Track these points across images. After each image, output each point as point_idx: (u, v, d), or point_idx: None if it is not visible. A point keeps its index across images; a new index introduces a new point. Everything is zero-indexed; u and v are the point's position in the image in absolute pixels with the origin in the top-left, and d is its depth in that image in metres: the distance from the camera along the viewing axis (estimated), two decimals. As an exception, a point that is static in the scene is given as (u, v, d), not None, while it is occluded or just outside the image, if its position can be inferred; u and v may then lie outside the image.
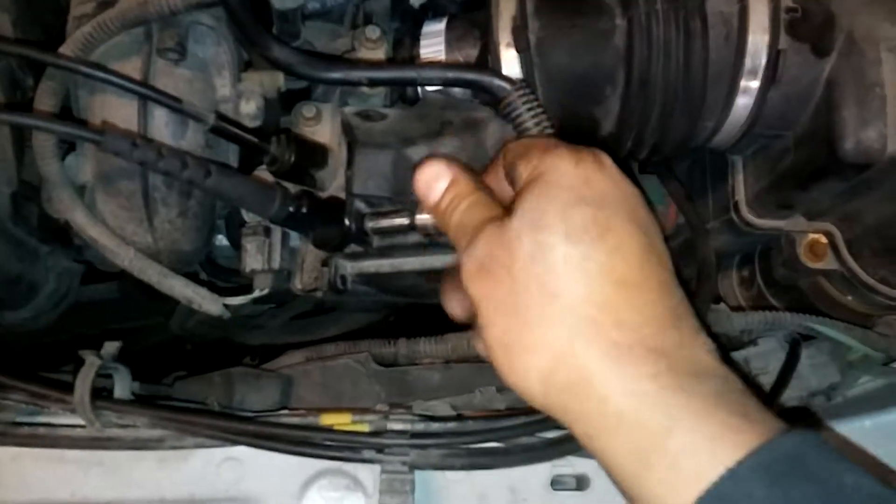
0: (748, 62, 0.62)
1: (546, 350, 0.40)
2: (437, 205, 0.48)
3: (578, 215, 0.41)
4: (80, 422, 0.60)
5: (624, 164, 0.48)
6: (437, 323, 0.88)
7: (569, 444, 0.60)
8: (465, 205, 0.46)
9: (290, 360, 0.86)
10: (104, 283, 1.08)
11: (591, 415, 0.39)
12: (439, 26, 0.69)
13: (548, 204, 0.42)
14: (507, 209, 0.45)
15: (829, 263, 0.75)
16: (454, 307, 0.51)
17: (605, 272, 0.40)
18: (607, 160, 0.45)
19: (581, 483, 0.65)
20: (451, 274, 0.52)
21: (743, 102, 0.64)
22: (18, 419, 0.61)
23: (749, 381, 0.42)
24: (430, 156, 0.50)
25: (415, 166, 0.49)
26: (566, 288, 0.40)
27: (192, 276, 0.67)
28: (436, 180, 0.48)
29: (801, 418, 0.70)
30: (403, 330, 0.88)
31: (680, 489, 0.35)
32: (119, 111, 0.59)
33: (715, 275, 0.79)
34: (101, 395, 0.60)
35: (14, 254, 0.72)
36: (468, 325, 0.52)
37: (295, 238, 0.68)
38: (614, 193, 0.43)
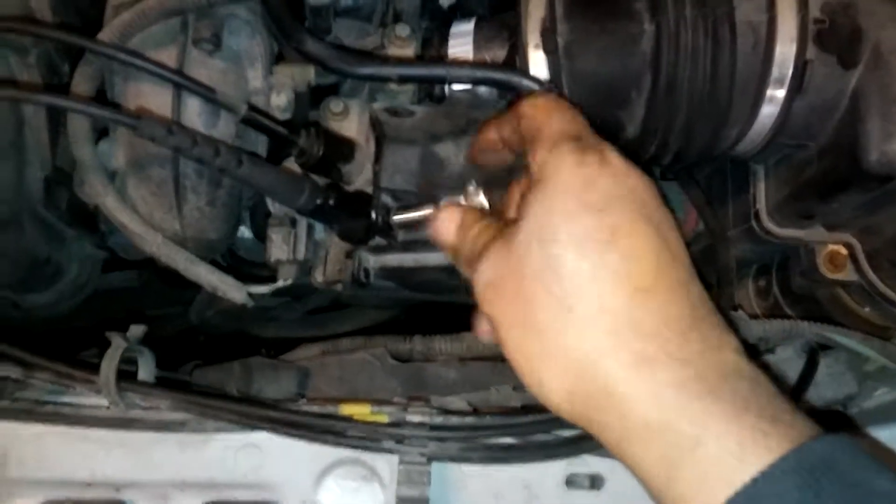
0: (775, 71, 0.62)
1: (566, 364, 0.39)
2: (451, 245, 0.49)
3: (585, 223, 0.40)
4: (104, 402, 0.61)
5: (645, 168, 0.48)
6: (451, 321, 0.89)
7: (585, 443, 0.61)
8: (471, 234, 0.46)
9: (306, 353, 0.87)
10: (124, 271, 1.10)
11: (616, 426, 0.39)
12: (468, 27, 0.70)
13: (552, 214, 0.41)
14: (510, 220, 0.45)
15: (848, 275, 0.75)
16: (483, 329, 0.50)
17: (618, 280, 0.39)
18: (612, 155, 0.44)
19: (595, 482, 0.66)
20: None
21: (768, 111, 0.64)
22: (42, 398, 0.62)
23: (778, 382, 0.41)
24: (443, 205, 0.50)
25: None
26: (580, 300, 0.39)
27: (220, 267, 0.68)
28: (447, 224, 0.49)
29: (836, 421, 0.70)
30: (418, 328, 0.89)
31: (710, 495, 0.35)
32: (153, 99, 0.60)
33: (734, 282, 0.80)
34: (126, 377, 0.61)
35: (43, 236, 0.73)
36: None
37: (320, 230, 0.69)
38: (620, 192, 0.42)
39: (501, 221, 0.47)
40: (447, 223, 0.49)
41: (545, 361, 0.40)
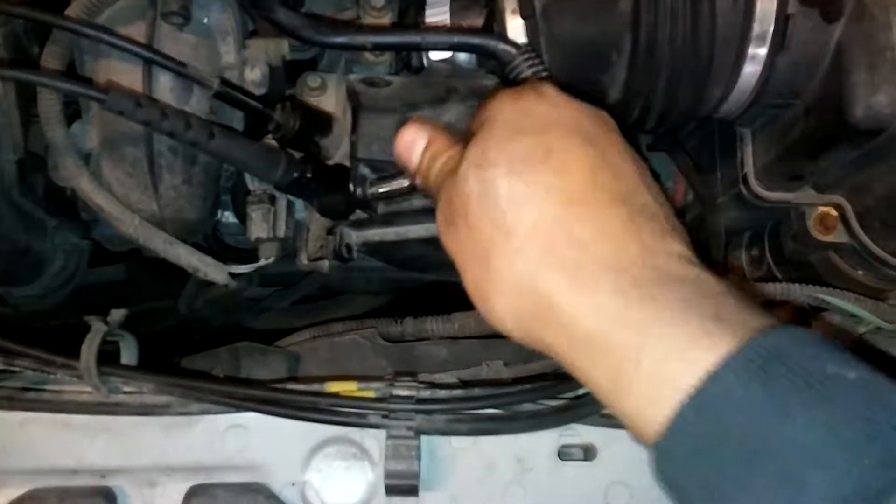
0: (756, 28, 0.61)
1: (511, 285, 0.39)
2: (417, 167, 0.48)
3: (517, 145, 0.41)
4: (87, 389, 0.60)
5: (627, 134, 0.48)
6: (442, 306, 0.88)
7: (574, 412, 0.60)
8: (440, 162, 0.46)
9: (297, 339, 0.86)
10: (111, 264, 1.09)
11: (563, 342, 0.38)
12: (445, -6, 0.69)
13: (489, 141, 0.42)
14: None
15: (839, 236, 0.75)
16: None
17: (551, 194, 0.39)
18: (549, 89, 0.45)
19: (588, 453, 0.65)
20: None
21: (751, 70, 0.63)
22: (26, 385, 0.61)
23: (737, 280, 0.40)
24: (407, 120, 0.49)
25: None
26: (517, 220, 0.39)
27: (204, 250, 0.67)
28: (413, 143, 0.48)
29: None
30: (411, 313, 0.89)
31: (660, 403, 0.34)
32: (124, 76, 0.59)
33: (723, 246, 0.79)
34: (108, 361, 0.60)
35: (21, 224, 0.72)
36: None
37: (300, 208, 0.68)
38: (557, 117, 0.43)
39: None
40: (413, 144, 0.48)
41: (493, 285, 0.40)
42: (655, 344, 0.35)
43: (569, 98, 0.45)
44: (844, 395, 0.32)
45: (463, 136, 0.46)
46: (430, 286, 1.07)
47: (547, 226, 0.39)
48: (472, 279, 0.42)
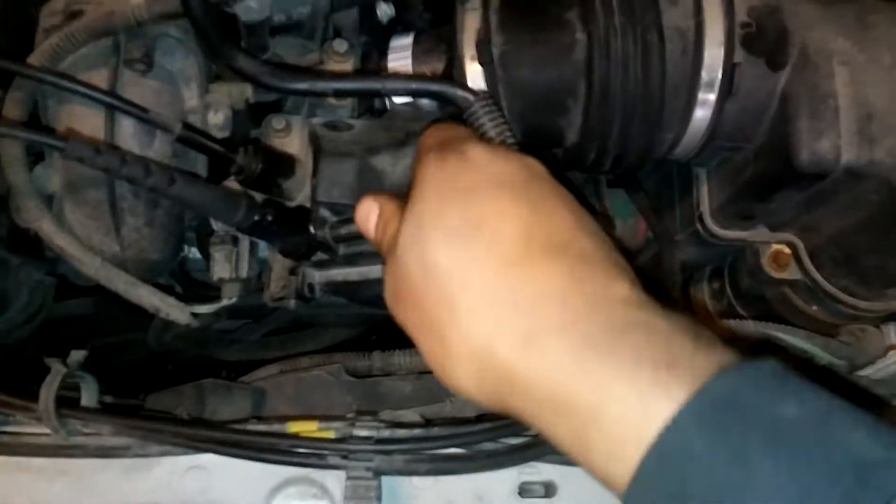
0: (705, 75, 0.64)
1: (467, 357, 0.40)
2: (374, 239, 0.49)
3: (450, 215, 0.42)
4: (46, 431, 0.60)
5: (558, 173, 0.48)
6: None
7: (534, 450, 0.61)
8: (390, 230, 0.47)
9: (264, 374, 0.86)
10: (78, 298, 1.08)
11: (525, 407, 0.39)
12: (407, 40, 0.70)
13: (422, 217, 0.43)
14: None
15: (792, 273, 0.76)
16: None
17: (488, 264, 0.40)
18: (472, 149, 0.45)
19: (549, 490, 0.66)
20: None
21: (701, 114, 0.65)
22: (-17, 429, 0.61)
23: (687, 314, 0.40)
24: (364, 195, 0.51)
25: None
26: (461, 292, 0.40)
27: (168, 289, 0.67)
28: (368, 214, 0.49)
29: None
30: (381, 345, 0.89)
31: (623, 458, 0.34)
32: (86, 121, 0.60)
33: (679, 284, 0.80)
34: (68, 403, 0.60)
35: (-16, 263, 0.72)
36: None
37: (263, 248, 0.69)
38: (484, 179, 0.43)
39: None
40: (368, 216, 0.49)
41: (449, 359, 0.40)
42: (611, 401, 0.35)
43: (493, 153, 0.45)
44: (802, 437, 0.32)
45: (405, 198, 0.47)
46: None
47: (490, 294, 0.39)
48: (428, 351, 0.43)
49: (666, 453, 0.33)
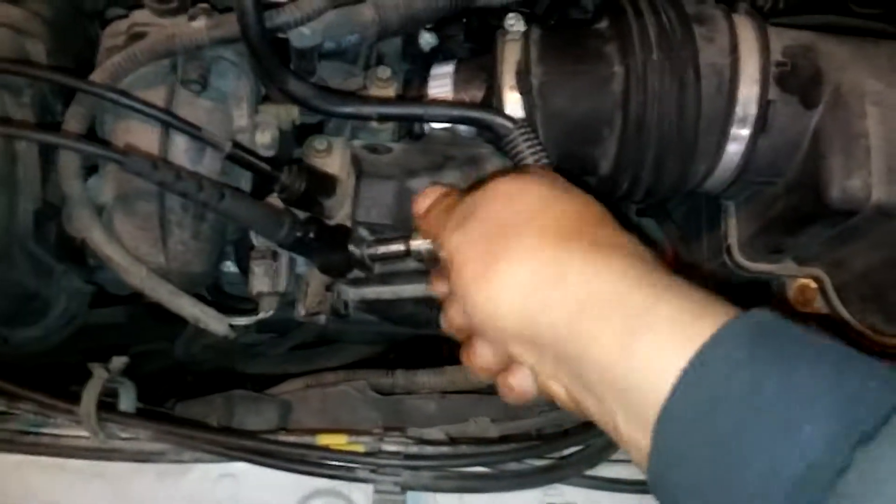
0: (739, 111, 0.65)
1: (528, 254, 0.43)
2: (423, 213, 0.53)
3: (549, 176, 0.49)
4: (84, 433, 0.62)
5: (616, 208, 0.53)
6: (435, 358, 0.90)
7: (559, 472, 0.62)
8: (442, 203, 0.52)
9: (289, 387, 0.88)
10: (111, 307, 1.11)
11: (572, 305, 0.40)
12: (448, 69, 0.73)
13: (523, 170, 0.51)
14: None
15: (818, 308, 0.77)
16: (452, 313, 0.52)
17: (578, 209, 0.46)
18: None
19: (571, 514, 0.66)
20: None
21: (734, 149, 0.66)
22: (23, 428, 0.63)
23: None
24: (405, 188, 0.55)
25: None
26: (541, 214, 0.45)
27: (206, 301, 0.69)
28: (426, 196, 0.54)
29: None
30: (403, 364, 0.90)
31: (664, 364, 0.36)
32: (142, 136, 0.62)
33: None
34: (107, 408, 0.62)
35: (32, 271, 0.74)
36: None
37: (301, 264, 0.71)
38: (567, 182, 0.50)
39: None
40: (425, 199, 0.53)
41: (507, 257, 0.43)
42: (667, 310, 0.38)
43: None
44: (837, 358, 0.35)
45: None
46: (422, 338, 1.09)
47: (574, 223, 0.44)
48: (481, 258, 0.44)
49: (708, 363, 0.35)
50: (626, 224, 0.48)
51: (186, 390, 0.88)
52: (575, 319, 0.40)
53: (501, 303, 0.43)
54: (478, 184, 0.49)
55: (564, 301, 0.41)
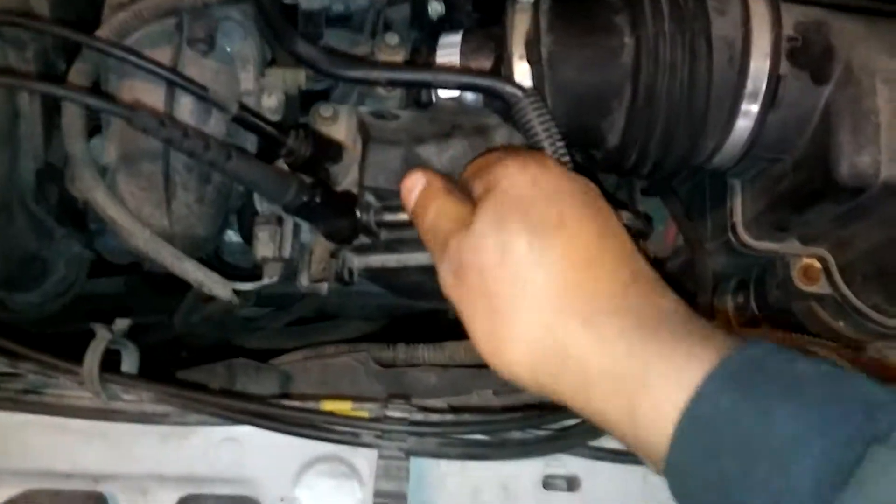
0: (749, 85, 0.65)
1: (526, 336, 0.43)
2: (412, 208, 0.52)
3: (535, 212, 0.45)
4: (87, 394, 0.62)
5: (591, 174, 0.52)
6: (433, 334, 0.90)
7: (562, 442, 0.62)
8: (434, 207, 0.50)
9: (290, 358, 0.88)
10: (111, 276, 1.10)
11: (579, 384, 0.42)
12: (456, 38, 0.72)
13: (505, 206, 0.46)
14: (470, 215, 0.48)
15: (822, 288, 0.77)
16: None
17: (566, 257, 0.44)
18: (550, 161, 0.51)
19: (572, 484, 0.66)
20: None
21: (743, 124, 0.66)
22: (26, 388, 0.63)
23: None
24: (411, 155, 0.53)
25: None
26: (533, 277, 0.44)
27: (210, 266, 0.69)
28: (413, 186, 0.52)
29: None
30: (402, 340, 0.90)
31: (664, 425, 0.39)
32: (147, 96, 0.62)
33: (710, 290, 0.81)
34: (109, 370, 0.62)
35: (33, 231, 0.74)
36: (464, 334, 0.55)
37: (306, 232, 0.70)
38: (562, 188, 0.47)
39: (465, 202, 0.50)
40: (412, 187, 0.52)
41: (506, 340, 0.44)
42: (657, 373, 0.40)
43: (567, 172, 0.50)
44: (816, 388, 0.37)
45: (459, 186, 0.51)
46: (422, 315, 1.09)
47: (562, 283, 0.44)
48: (484, 333, 0.45)
49: (698, 414, 0.38)
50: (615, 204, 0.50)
51: (183, 365, 0.88)
52: (583, 398, 0.43)
53: (515, 377, 0.45)
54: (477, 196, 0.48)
55: (571, 381, 0.43)
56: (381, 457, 0.59)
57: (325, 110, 0.68)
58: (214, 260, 0.95)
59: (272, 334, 1.22)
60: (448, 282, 0.48)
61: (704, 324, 0.43)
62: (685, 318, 0.43)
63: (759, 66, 0.64)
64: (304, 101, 0.72)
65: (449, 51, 0.72)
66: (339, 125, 0.68)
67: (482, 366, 0.84)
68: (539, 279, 0.44)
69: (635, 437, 0.41)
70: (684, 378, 0.39)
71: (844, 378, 0.38)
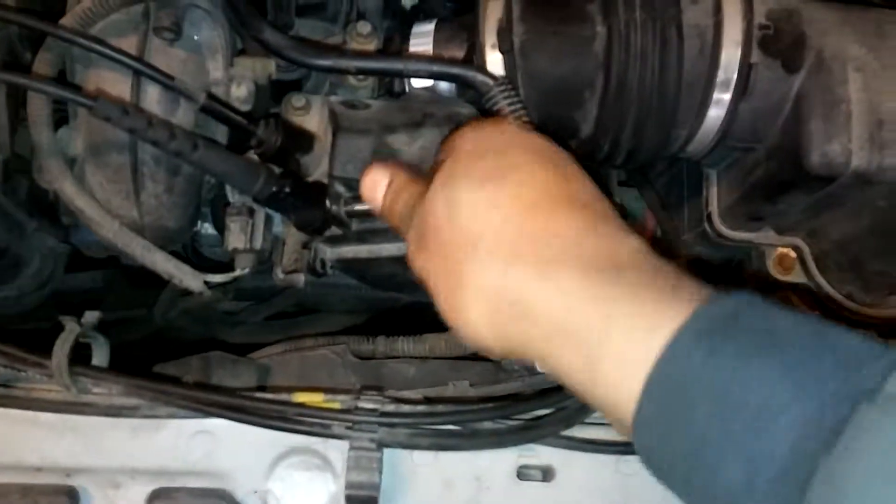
0: (721, 74, 0.65)
1: (484, 293, 0.41)
2: (381, 207, 0.51)
3: (481, 164, 0.44)
4: (56, 388, 0.61)
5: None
6: (415, 328, 0.90)
7: (534, 431, 0.62)
8: (402, 198, 0.49)
9: (269, 352, 0.87)
10: (88, 271, 1.09)
11: (538, 338, 0.40)
12: (429, 27, 0.72)
13: (454, 166, 0.45)
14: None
15: (796, 277, 0.78)
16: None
17: (514, 204, 0.42)
18: (506, 123, 0.50)
19: (546, 474, 0.67)
20: None
21: (715, 113, 0.66)
22: (-4, 382, 0.62)
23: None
24: (371, 163, 0.52)
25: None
26: (482, 229, 0.42)
27: (182, 258, 0.68)
28: (377, 183, 0.51)
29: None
30: (384, 333, 0.90)
31: (629, 381, 0.36)
32: (113, 85, 0.61)
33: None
34: (79, 362, 0.61)
35: (2, 225, 0.73)
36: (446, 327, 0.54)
37: (278, 223, 0.70)
38: (516, 141, 0.46)
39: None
40: (376, 184, 0.51)
41: (466, 295, 0.42)
42: (619, 322, 0.37)
43: (525, 126, 0.50)
44: (793, 342, 0.34)
45: (428, 172, 0.49)
46: (404, 309, 1.09)
47: (512, 230, 0.42)
48: (445, 295, 0.44)
49: (668, 373, 0.35)
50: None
51: (165, 360, 0.87)
52: (545, 356, 0.41)
53: (479, 338, 0.43)
54: (433, 168, 0.48)
55: (530, 338, 0.41)
56: (352, 448, 0.59)
57: (297, 100, 0.67)
58: (192, 252, 0.95)
59: (256, 328, 1.22)
60: (413, 258, 0.47)
61: (673, 271, 0.40)
62: (652, 266, 0.40)
63: (730, 55, 0.64)
64: (276, 91, 0.72)
65: (422, 40, 0.71)
66: (312, 115, 0.67)
67: (461, 358, 0.85)
68: (489, 231, 0.42)
69: (596, 396, 0.38)
70: (651, 334, 0.36)
71: (825, 331, 0.34)
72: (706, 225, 0.79)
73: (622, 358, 0.37)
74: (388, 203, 0.50)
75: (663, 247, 0.88)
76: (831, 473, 0.30)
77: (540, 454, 0.66)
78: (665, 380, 0.35)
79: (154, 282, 0.82)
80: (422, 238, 0.45)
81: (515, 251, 0.41)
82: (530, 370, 0.72)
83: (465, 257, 0.42)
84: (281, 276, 0.71)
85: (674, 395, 0.35)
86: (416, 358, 0.86)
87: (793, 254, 0.78)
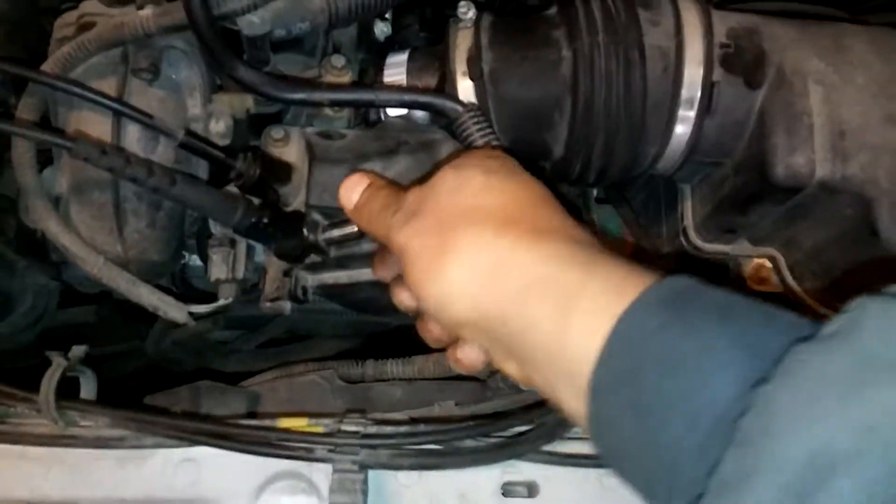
0: (685, 93, 0.67)
1: (468, 254, 0.44)
2: (355, 206, 0.54)
3: (492, 161, 0.50)
4: (44, 422, 0.62)
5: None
6: (405, 351, 0.91)
7: (516, 448, 0.63)
8: (378, 197, 0.52)
9: (258, 379, 0.88)
10: (82, 306, 1.10)
11: (516, 289, 0.43)
12: (402, 57, 0.74)
13: (465, 158, 0.51)
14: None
15: (773, 287, 0.79)
16: (403, 297, 0.55)
17: (517, 195, 0.47)
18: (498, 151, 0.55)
19: (531, 490, 0.67)
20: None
21: (681, 131, 0.68)
22: (-16, 419, 0.63)
23: None
24: (350, 172, 0.55)
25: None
26: (483, 203, 0.46)
27: (168, 291, 0.70)
28: (355, 184, 0.54)
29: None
30: (376, 356, 0.91)
31: (596, 332, 0.39)
32: (95, 126, 0.63)
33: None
34: (67, 396, 0.63)
35: (-9, 264, 0.75)
36: (435, 350, 0.56)
37: (260, 253, 0.71)
38: (509, 166, 0.51)
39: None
40: (353, 188, 0.54)
41: (448, 261, 0.45)
42: (599, 279, 0.41)
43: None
44: (743, 312, 0.37)
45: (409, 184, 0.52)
46: (395, 331, 1.10)
47: (514, 212, 0.46)
48: (428, 260, 0.46)
49: (624, 332, 0.38)
50: (568, 207, 0.50)
51: (159, 390, 0.88)
52: (520, 306, 0.43)
53: (453, 297, 0.45)
54: (427, 175, 0.51)
55: (508, 290, 0.43)
56: (335, 470, 0.60)
57: (276, 132, 0.69)
58: (181, 284, 0.96)
59: (249, 357, 1.23)
60: (396, 234, 0.48)
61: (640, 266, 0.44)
62: (623, 259, 0.44)
63: (692, 74, 0.66)
64: (256, 125, 0.74)
65: (396, 70, 0.73)
66: (291, 147, 0.69)
67: (450, 378, 0.86)
68: (488, 205, 0.46)
69: (560, 352, 0.40)
70: (618, 297, 0.39)
71: (774, 310, 0.38)
72: (682, 239, 0.80)
73: (593, 313, 0.39)
74: (364, 200, 0.53)
75: (641, 261, 0.89)
76: (762, 403, 0.33)
77: (523, 470, 0.67)
78: (621, 338, 0.38)
79: (146, 315, 0.83)
80: (414, 214, 0.48)
81: (509, 225, 0.45)
82: (515, 388, 0.73)
83: (459, 223, 0.45)
84: (265, 304, 0.73)
85: (627, 353, 0.38)
86: (404, 380, 0.87)
87: (768, 264, 0.79)
